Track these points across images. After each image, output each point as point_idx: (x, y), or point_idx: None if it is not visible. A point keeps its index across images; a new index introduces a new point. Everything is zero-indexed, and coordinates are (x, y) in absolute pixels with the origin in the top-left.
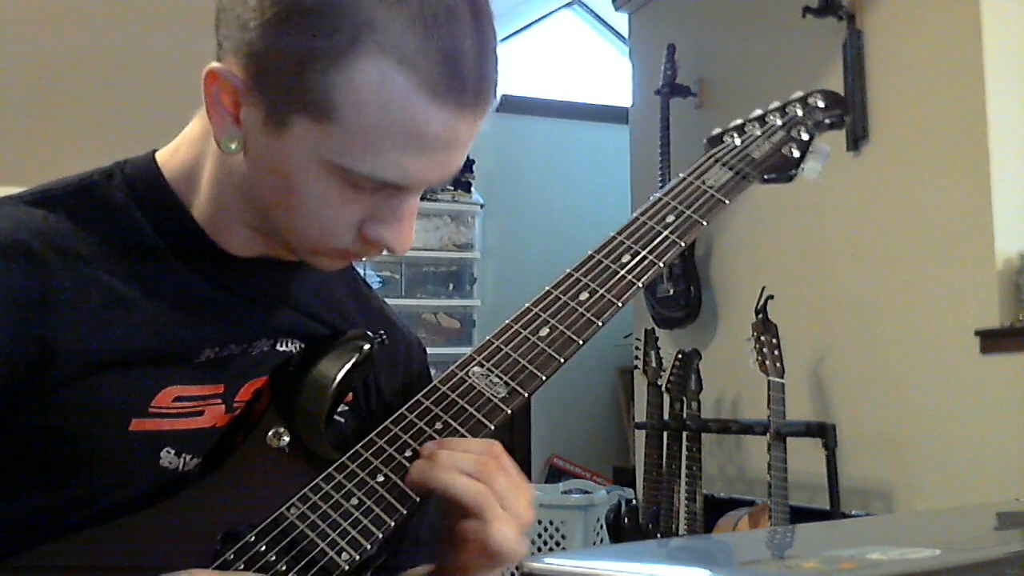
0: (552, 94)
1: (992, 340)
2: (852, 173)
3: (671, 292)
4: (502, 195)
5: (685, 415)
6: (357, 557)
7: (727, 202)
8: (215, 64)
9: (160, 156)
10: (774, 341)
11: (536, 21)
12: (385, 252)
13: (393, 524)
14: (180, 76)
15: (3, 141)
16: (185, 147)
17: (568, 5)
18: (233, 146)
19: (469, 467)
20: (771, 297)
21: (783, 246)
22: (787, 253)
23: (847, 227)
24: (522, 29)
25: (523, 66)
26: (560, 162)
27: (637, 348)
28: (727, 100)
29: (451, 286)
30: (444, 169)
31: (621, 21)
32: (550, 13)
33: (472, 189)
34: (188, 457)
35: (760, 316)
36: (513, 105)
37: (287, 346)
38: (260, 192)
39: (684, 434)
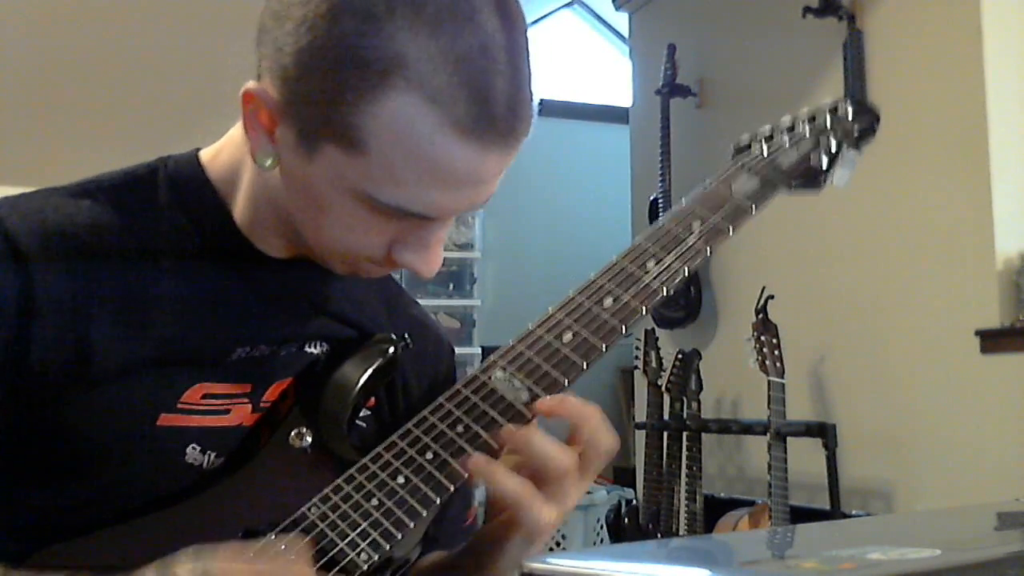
0: (552, 94)
1: (992, 340)
2: (854, 171)
3: (673, 291)
4: (502, 195)
5: (685, 415)
6: (376, 557)
7: (754, 210)
8: (251, 84)
9: (204, 156)
10: (774, 341)
11: (536, 21)
12: None
13: (413, 525)
14: (183, 77)
15: (3, 141)
16: (228, 149)
17: (568, 5)
18: (268, 162)
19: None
20: (771, 297)
21: (783, 246)
22: (787, 253)
23: (847, 227)
24: None
25: None
26: (560, 162)
27: (637, 348)
28: (727, 100)
29: (451, 286)
30: (472, 202)
31: (621, 21)
32: (550, 13)
33: None
34: (213, 455)
35: (760, 316)
36: None
37: (314, 348)
38: (291, 208)
39: (684, 434)
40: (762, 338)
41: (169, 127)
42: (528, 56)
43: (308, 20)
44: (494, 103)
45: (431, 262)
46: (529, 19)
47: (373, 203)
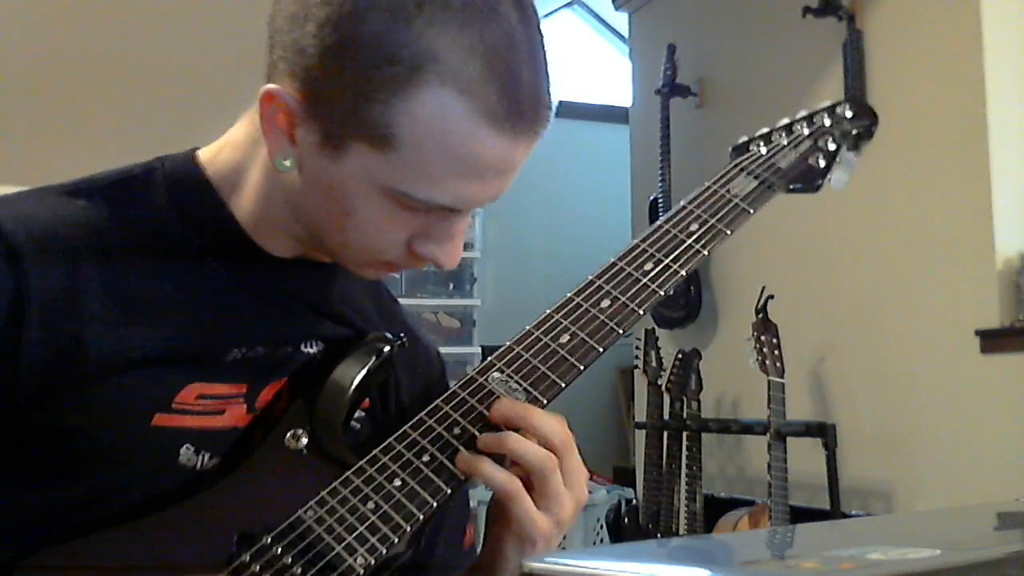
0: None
1: (992, 340)
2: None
3: (671, 292)
4: (502, 195)
5: (685, 415)
6: (372, 561)
7: (752, 212)
8: (272, 86)
9: (203, 155)
10: (774, 341)
11: None
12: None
13: (410, 528)
14: (181, 77)
15: (3, 141)
16: (229, 150)
17: (568, 5)
18: (287, 164)
19: (524, 456)
20: (771, 297)
21: (783, 246)
22: (787, 253)
23: (847, 227)
24: None
25: None
26: (560, 162)
27: (637, 348)
28: (727, 100)
29: (451, 286)
30: (497, 191)
31: (621, 21)
32: (550, 13)
33: None
34: (207, 456)
35: (760, 316)
36: None
37: (310, 348)
38: (311, 209)
39: (684, 434)
40: (762, 338)
41: (169, 127)
42: (544, 48)
43: (333, 20)
44: (522, 92)
45: (453, 253)
46: None
47: (404, 199)
